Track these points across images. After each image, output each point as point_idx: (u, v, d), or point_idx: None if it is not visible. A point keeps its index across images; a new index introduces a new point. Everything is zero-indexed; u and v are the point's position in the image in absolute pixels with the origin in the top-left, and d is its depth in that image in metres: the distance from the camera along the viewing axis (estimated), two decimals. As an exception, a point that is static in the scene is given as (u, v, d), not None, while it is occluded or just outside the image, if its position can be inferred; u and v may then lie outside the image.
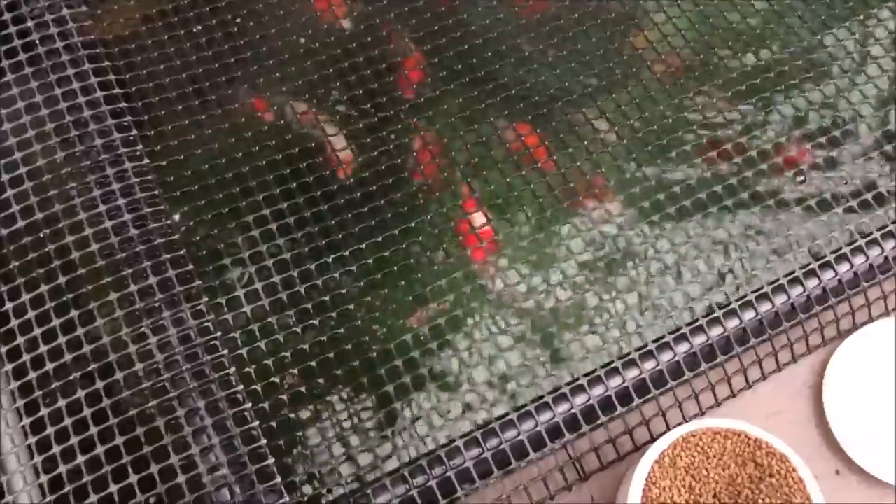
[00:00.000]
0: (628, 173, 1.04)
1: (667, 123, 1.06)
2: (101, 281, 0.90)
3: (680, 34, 1.13)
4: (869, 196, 1.01)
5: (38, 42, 1.01)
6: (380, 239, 0.98)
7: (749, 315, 0.94)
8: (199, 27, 1.09)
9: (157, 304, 0.90)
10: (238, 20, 1.11)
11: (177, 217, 0.97)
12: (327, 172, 1.02)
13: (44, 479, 0.84)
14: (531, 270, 0.99)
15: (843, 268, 0.96)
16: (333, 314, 0.94)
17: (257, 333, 0.91)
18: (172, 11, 1.09)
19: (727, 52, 1.12)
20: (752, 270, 0.97)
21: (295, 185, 1.00)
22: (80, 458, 0.83)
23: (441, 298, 0.97)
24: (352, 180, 1.02)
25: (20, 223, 0.93)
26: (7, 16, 1.02)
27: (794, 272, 0.96)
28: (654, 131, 1.06)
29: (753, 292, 0.95)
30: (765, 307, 0.95)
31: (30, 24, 1.02)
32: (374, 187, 1.01)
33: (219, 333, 0.90)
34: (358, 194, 1.01)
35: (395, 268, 0.97)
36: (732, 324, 0.94)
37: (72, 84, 1.00)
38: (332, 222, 0.98)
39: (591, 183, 1.03)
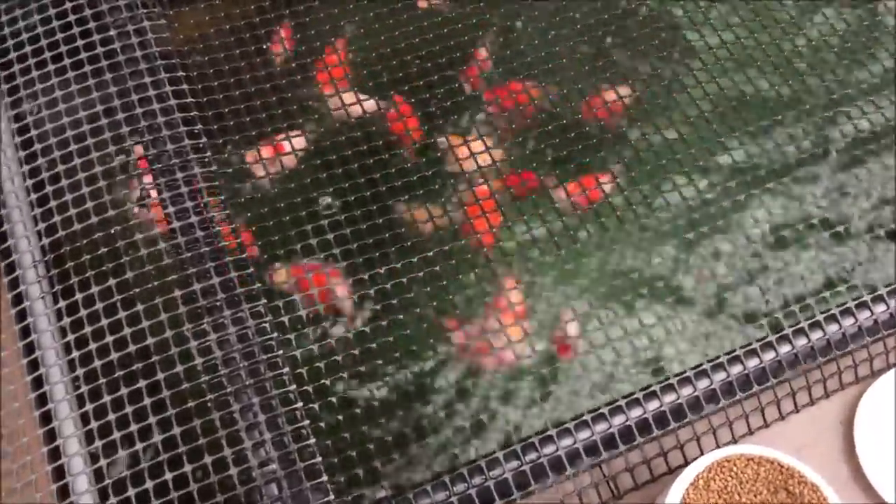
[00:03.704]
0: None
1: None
2: (167, 278, 0.95)
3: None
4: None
5: (119, 50, 1.07)
6: (430, 254, 1.02)
7: (785, 349, 0.97)
8: (269, 43, 1.14)
9: (218, 303, 0.94)
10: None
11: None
12: (382, 189, 1.06)
13: (103, 462, 0.88)
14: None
15: (880, 308, 0.99)
16: (384, 323, 0.97)
17: (311, 336, 0.95)
18: (245, 27, 1.14)
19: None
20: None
21: (353, 198, 1.04)
22: (139, 445, 0.87)
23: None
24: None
25: (94, 219, 0.98)
26: (92, 24, 1.08)
27: (830, 309, 0.99)
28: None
29: (790, 327, 0.98)
30: (801, 342, 0.97)
31: (112, 32, 1.08)
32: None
33: (275, 334, 0.94)
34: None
35: (444, 281, 1.01)
36: (769, 356, 0.97)
37: (148, 91, 1.05)
38: (387, 235, 1.03)
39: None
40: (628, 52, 1.21)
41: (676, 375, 0.95)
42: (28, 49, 1.07)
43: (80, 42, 1.07)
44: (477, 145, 1.11)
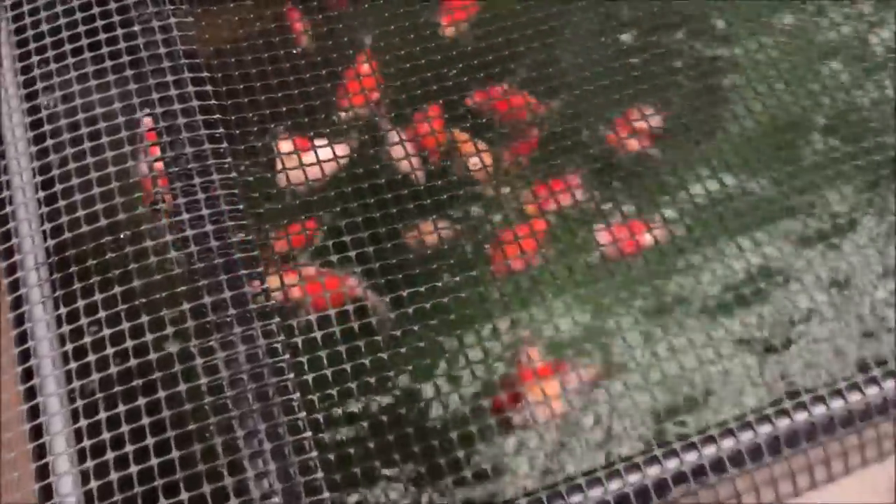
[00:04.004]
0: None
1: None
2: (176, 289, 0.89)
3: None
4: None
5: (142, 46, 1.02)
6: (458, 278, 0.96)
7: (838, 404, 0.89)
8: (297, 49, 1.10)
9: (228, 319, 0.88)
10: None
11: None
12: (412, 206, 1.00)
13: (93, 484, 0.81)
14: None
15: (944, 365, 0.91)
16: (402, 350, 0.91)
17: (325, 361, 0.89)
18: (275, 30, 1.10)
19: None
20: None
21: (378, 214, 0.98)
22: (133, 468, 0.81)
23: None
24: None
25: (102, 222, 0.92)
26: (116, 18, 1.03)
27: (887, 362, 0.92)
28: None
29: (843, 380, 0.90)
30: (855, 398, 0.90)
31: (136, 28, 1.03)
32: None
33: (287, 356, 0.87)
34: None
35: (469, 308, 0.94)
36: (819, 411, 0.89)
37: (169, 90, 1.00)
38: (411, 256, 0.96)
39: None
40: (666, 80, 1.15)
41: (719, 426, 0.87)
42: (48, 41, 1.03)
43: (102, 36, 1.02)
44: (506, 164, 1.06)
